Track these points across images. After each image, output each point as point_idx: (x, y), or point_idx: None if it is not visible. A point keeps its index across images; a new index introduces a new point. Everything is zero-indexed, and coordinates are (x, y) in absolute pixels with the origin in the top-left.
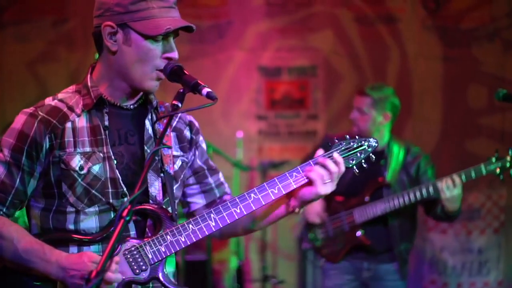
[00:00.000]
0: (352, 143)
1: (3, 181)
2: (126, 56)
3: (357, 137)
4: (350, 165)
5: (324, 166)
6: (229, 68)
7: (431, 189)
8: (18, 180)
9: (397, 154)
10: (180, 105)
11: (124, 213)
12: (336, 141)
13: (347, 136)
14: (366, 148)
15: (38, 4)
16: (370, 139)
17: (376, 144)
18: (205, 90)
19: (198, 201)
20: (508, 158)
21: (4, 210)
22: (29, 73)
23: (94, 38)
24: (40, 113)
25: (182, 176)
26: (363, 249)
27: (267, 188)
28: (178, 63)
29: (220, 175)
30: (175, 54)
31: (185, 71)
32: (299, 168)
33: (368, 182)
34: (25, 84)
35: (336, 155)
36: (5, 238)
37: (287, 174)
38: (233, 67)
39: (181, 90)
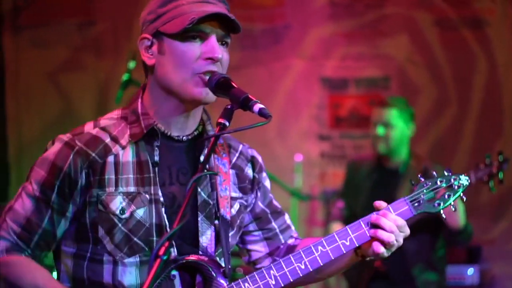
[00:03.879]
0: (439, 183)
1: (29, 218)
2: (163, 67)
3: (445, 173)
4: (437, 210)
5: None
6: (286, 79)
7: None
8: (46, 219)
9: (414, 172)
10: (227, 124)
11: (161, 252)
12: (421, 179)
13: (434, 173)
14: (456, 188)
15: (60, 5)
16: (461, 177)
17: (467, 183)
18: (257, 106)
19: (260, 249)
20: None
21: (29, 251)
22: (50, 84)
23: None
24: (77, 143)
25: (238, 221)
26: (382, 279)
27: (337, 239)
28: (224, 74)
29: (286, 217)
30: (215, 53)
31: (233, 84)
32: (375, 214)
33: (384, 201)
34: (45, 97)
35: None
36: (27, 284)
37: (361, 222)
38: (290, 78)
39: (229, 106)
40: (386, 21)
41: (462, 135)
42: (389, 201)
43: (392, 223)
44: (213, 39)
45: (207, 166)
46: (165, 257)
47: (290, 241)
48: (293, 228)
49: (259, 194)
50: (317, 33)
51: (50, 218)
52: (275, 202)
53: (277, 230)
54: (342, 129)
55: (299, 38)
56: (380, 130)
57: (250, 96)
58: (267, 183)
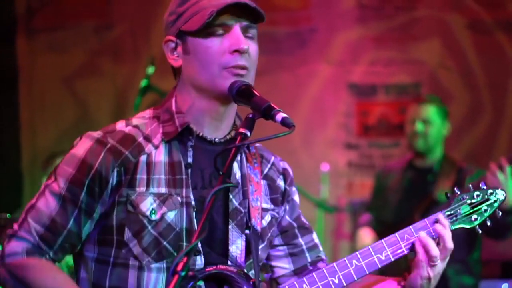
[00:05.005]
0: (476, 197)
1: (54, 218)
2: (190, 67)
3: (482, 186)
4: (473, 225)
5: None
6: (311, 85)
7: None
8: (72, 219)
9: (449, 171)
10: (248, 134)
11: (179, 268)
12: (457, 193)
13: (471, 187)
14: (492, 202)
15: (77, 7)
16: (497, 191)
17: (503, 198)
18: (280, 115)
19: (284, 266)
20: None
21: (51, 254)
22: (66, 90)
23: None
24: (110, 140)
25: (269, 234)
26: None
27: (373, 253)
28: (245, 81)
29: (314, 235)
30: (240, 43)
31: (255, 92)
32: (411, 228)
33: (417, 203)
34: (60, 103)
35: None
36: None
37: (397, 236)
38: (316, 84)
39: (250, 115)
40: (417, 24)
41: (497, 143)
42: (424, 199)
43: (435, 248)
44: (236, 30)
45: (238, 174)
46: (183, 273)
47: (320, 265)
48: (321, 248)
49: (287, 207)
50: (345, 37)
51: (77, 218)
52: (303, 218)
53: (304, 247)
54: (370, 137)
55: (326, 42)
56: (419, 126)
57: (272, 105)
58: (297, 198)
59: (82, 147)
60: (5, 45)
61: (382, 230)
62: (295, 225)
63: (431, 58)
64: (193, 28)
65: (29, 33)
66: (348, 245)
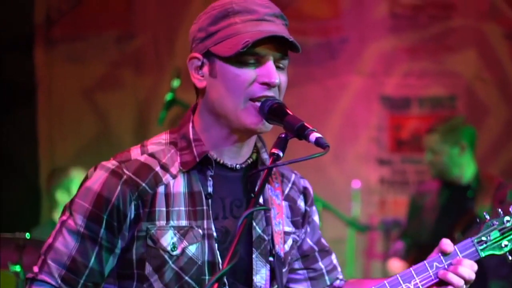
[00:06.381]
0: (506, 222)
1: (74, 258)
2: (214, 91)
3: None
4: (503, 251)
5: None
6: (342, 98)
7: None
8: (93, 257)
9: (487, 186)
10: (281, 154)
11: None
12: (487, 218)
13: (501, 212)
14: None
15: (97, 16)
16: None
17: None
18: (314, 135)
19: None
20: None
21: None
22: (86, 103)
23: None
24: (125, 171)
25: (289, 258)
26: None
27: (401, 282)
28: (278, 99)
29: (333, 257)
30: (271, 77)
31: (288, 110)
32: (441, 257)
33: (456, 220)
34: (80, 116)
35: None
36: None
37: (426, 264)
38: (347, 97)
39: (283, 135)
40: (452, 34)
41: None
42: (464, 216)
43: (460, 278)
44: (269, 63)
45: (260, 199)
46: None
47: (336, 283)
48: (339, 269)
49: (308, 229)
50: (377, 48)
51: (98, 255)
52: (323, 240)
53: (324, 271)
54: (403, 152)
55: (357, 53)
56: (428, 156)
57: (306, 124)
58: (317, 218)
59: (97, 179)
60: (23, 56)
61: (418, 254)
62: (316, 248)
63: (467, 70)
64: (225, 54)
65: (48, 43)
66: (380, 265)
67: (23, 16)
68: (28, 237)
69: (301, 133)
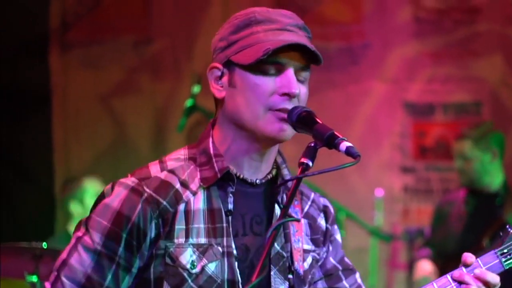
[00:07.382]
0: None
1: (90, 276)
2: (234, 101)
3: None
4: None
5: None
6: (364, 105)
7: None
8: (110, 276)
9: None
10: (310, 164)
11: None
12: (510, 230)
13: None
14: None
15: (114, 20)
16: None
17: None
18: (344, 144)
19: None
20: None
21: None
22: (102, 109)
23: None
24: (146, 189)
25: (310, 276)
26: None
27: None
28: (306, 107)
29: (357, 275)
30: (291, 88)
31: (317, 119)
32: (463, 269)
33: (485, 228)
34: (96, 123)
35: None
36: None
37: (448, 277)
38: (370, 103)
39: (312, 144)
40: (477, 39)
41: None
42: (493, 224)
43: (479, 283)
44: (290, 72)
45: (279, 215)
46: None
47: None
48: (363, 287)
49: (331, 248)
50: (400, 53)
51: (115, 274)
52: (346, 259)
53: None
54: (427, 160)
55: (380, 58)
56: (458, 163)
57: (336, 133)
58: (339, 237)
59: (116, 196)
60: (38, 61)
61: (444, 264)
62: (339, 267)
63: (493, 75)
64: (245, 62)
65: (63, 48)
66: (404, 276)
67: (38, 20)
68: (45, 247)
69: (331, 142)
